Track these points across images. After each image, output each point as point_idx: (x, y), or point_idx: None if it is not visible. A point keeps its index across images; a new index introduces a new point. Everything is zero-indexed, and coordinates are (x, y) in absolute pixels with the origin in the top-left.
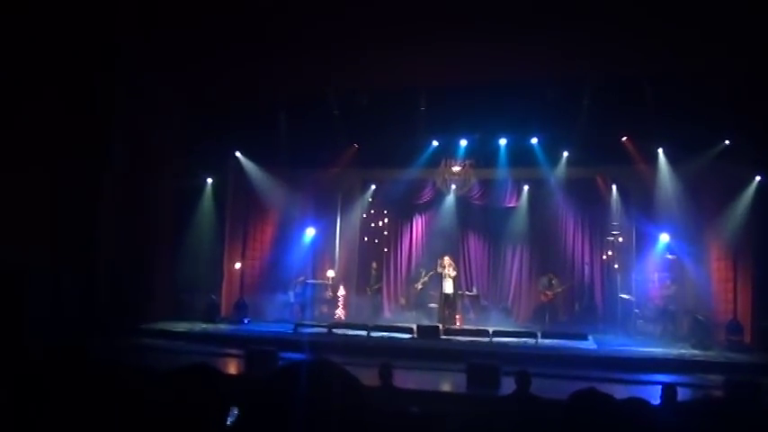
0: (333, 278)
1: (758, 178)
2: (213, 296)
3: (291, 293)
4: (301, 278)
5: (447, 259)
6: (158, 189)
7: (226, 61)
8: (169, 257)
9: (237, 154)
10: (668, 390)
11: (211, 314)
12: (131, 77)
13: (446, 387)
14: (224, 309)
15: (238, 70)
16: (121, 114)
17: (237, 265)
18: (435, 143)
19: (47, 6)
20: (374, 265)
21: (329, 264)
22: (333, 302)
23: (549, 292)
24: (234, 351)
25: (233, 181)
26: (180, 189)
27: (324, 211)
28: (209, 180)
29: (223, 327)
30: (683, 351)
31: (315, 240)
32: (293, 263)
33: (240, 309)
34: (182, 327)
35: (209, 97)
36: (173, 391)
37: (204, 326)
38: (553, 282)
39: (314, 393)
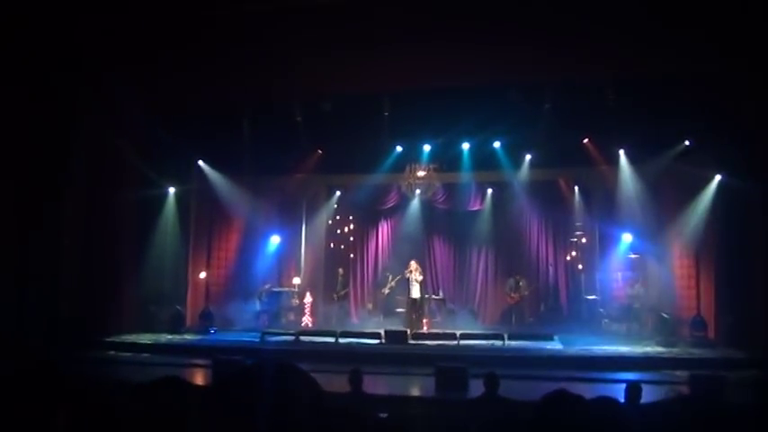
0: (299, 285)
1: (718, 177)
2: (178, 307)
3: (257, 302)
4: (267, 286)
5: (413, 264)
6: (121, 200)
7: (187, 69)
8: (133, 269)
9: (200, 163)
10: (632, 388)
11: (177, 325)
12: (93, 86)
13: (415, 391)
14: (189, 319)
15: (200, 78)
16: (83, 125)
17: (202, 275)
18: (399, 148)
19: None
20: (341, 271)
21: (295, 271)
22: (299, 310)
23: (515, 295)
24: (200, 361)
25: (196, 190)
26: (142, 200)
27: (289, 218)
28: (172, 190)
29: (189, 337)
30: (648, 349)
31: (280, 248)
32: (259, 271)
33: (206, 319)
34: (147, 338)
35: (171, 106)
36: (144, 403)
37: (170, 337)
38: (520, 284)
39: (275, 391)
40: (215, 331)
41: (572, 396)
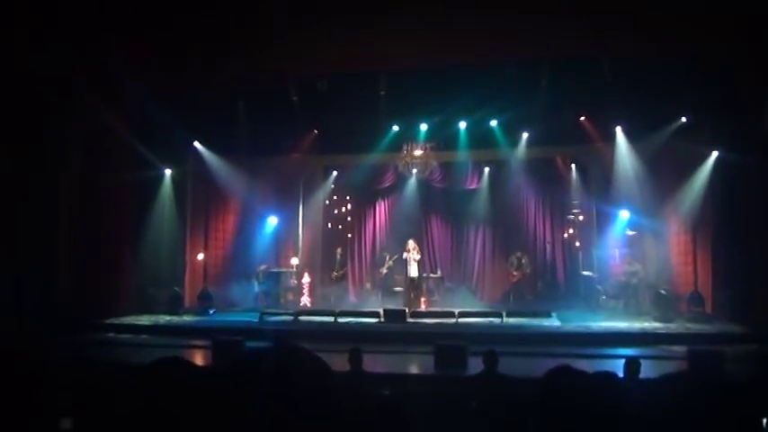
0: (297, 266)
1: (715, 154)
2: (176, 288)
3: (256, 282)
4: (263, 267)
5: (411, 243)
6: (117, 181)
7: (183, 49)
8: (131, 251)
9: (196, 144)
10: (631, 363)
11: (175, 306)
12: (89, 67)
13: (414, 369)
14: (188, 300)
15: (196, 58)
16: (79, 106)
17: (200, 256)
18: (396, 128)
19: None
20: (338, 251)
21: (293, 251)
22: (298, 290)
23: (517, 272)
24: (200, 342)
25: (192, 171)
26: (139, 181)
27: (286, 199)
28: (168, 171)
29: (188, 318)
30: (645, 324)
31: (277, 228)
32: (256, 252)
33: (204, 300)
34: (146, 320)
35: (167, 87)
36: (145, 384)
37: (168, 318)
38: (523, 261)
39: (280, 378)
40: (214, 312)
41: (575, 371)
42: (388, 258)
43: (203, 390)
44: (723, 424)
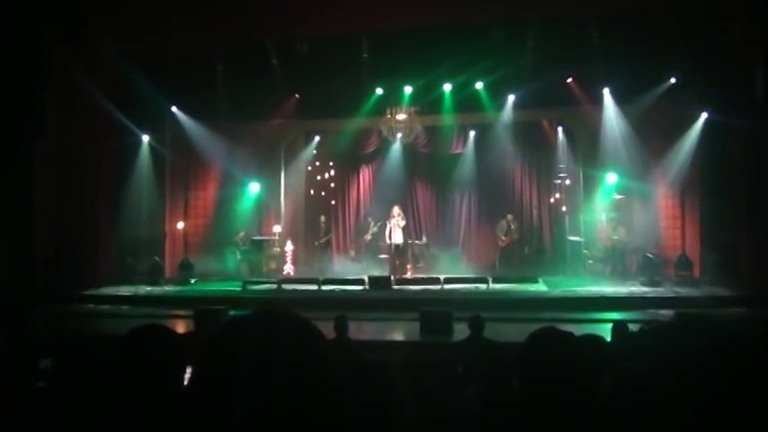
0: (279, 233)
1: (704, 115)
2: (156, 258)
3: (237, 251)
4: (242, 233)
5: (396, 209)
6: (94, 149)
7: (159, 11)
8: (109, 220)
9: (174, 109)
10: (619, 326)
11: (156, 276)
12: (63, 30)
13: (400, 336)
14: (168, 270)
15: (172, 20)
16: (53, 70)
17: (180, 225)
18: (379, 91)
19: None
20: (322, 218)
21: (275, 219)
22: (281, 258)
23: (506, 237)
24: (182, 312)
25: (170, 138)
26: (116, 148)
27: (267, 165)
28: (146, 138)
29: (169, 288)
30: (633, 289)
31: (259, 196)
32: (238, 220)
33: (185, 269)
34: (126, 291)
35: (143, 51)
36: (126, 354)
37: (149, 288)
38: (512, 226)
39: (266, 346)
40: (195, 281)
41: (560, 332)
42: (372, 225)
43: (185, 358)
44: (714, 382)
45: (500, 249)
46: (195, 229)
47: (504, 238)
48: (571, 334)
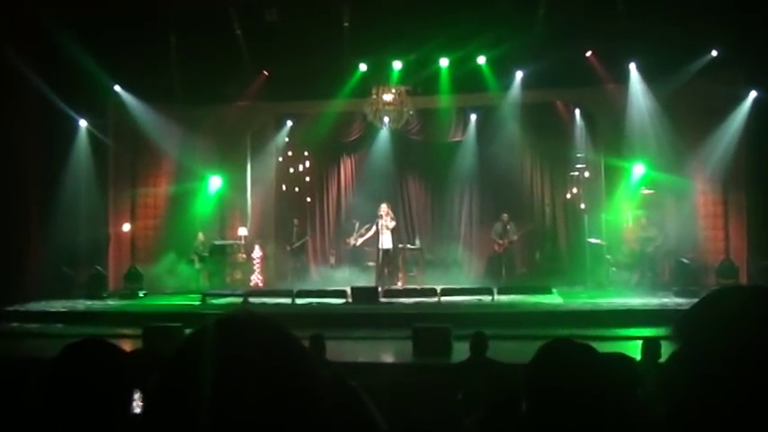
0: (245, 237)
1: (753, 95)
2: (98, 267)
3: (196, 257)
4: (201, 237)
5: (384, 207)
6: (20, 137)
7: None
8: (40, 221)
9: (117, 88)
10: (650, 344)
11: (97, 288)
12: None
13: (389, 357)
14: (112, 281)
15: None
16: None
17: (126, 227)
18: (363, 67)
19: None
20: (295, 221)
21: (240, 220)
22: (247, 266)
23: (502, 241)
24: (128, 331)
25: (114, 123)
26: (48, 135)
27: (230, 156)
28: (84, 123)
29: (112, 303)
30: (665, 300)
31: (221, 192)
32: (196, 221)
33: (133, 280)
34: (60, 306)
35: (80, 17)
36: (57, 377)
37: (89, 303)
38: (508, 227)
39: (234, 364)
40: (144, 294)
41: (579, 345)
42: (358, 227)
43: (133, 381)
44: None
45: (498, 255)
46: (144, 232)
47: (500, 241)
48: (592, 348)
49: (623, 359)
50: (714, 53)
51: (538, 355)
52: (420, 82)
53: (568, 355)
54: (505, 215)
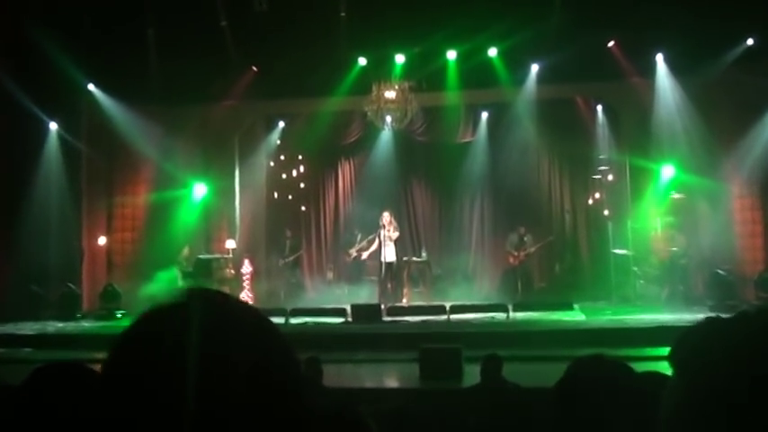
0: (233, 250)
1: None
2: (70, 284)
3: (179, 273)
4: (186, 250)
5: (386, 216)
6: None
7: None
8: (5, 236)
9: (91, 87)
10: None
11: (69, 308)
12: None
13: (393, 382)
14: (86, 300)
15: None
16: None
17: (102, 241)
18: (362, 61)
19: None
20: (288, 231)
21: (228, 231)
22: (236, 282)
23: (519, 253)
24: (104, 356)
25: (87, 126)
26: (13, 138)
27: (216, 161)
28: (54, 125)
29: (87, 324)
30: (699, 316)
31: (207, 201)
32: (179, 233)
33: (109, 299)
34: (29, 329)
35: (50, 9)
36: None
37: (61, 325)
38: (525, 239)
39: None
40: (123, 315)
41: (614, 363)
42: (359, 239)
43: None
44: None
45: (513, 268)
46: (122, 245)
47: (516, 253)
48: (629, 366)
49: (660, 379)
50: (750, 42)
51: (568, 375)
52: (425, 77)
53: (604, 374)
54: (522, 228)
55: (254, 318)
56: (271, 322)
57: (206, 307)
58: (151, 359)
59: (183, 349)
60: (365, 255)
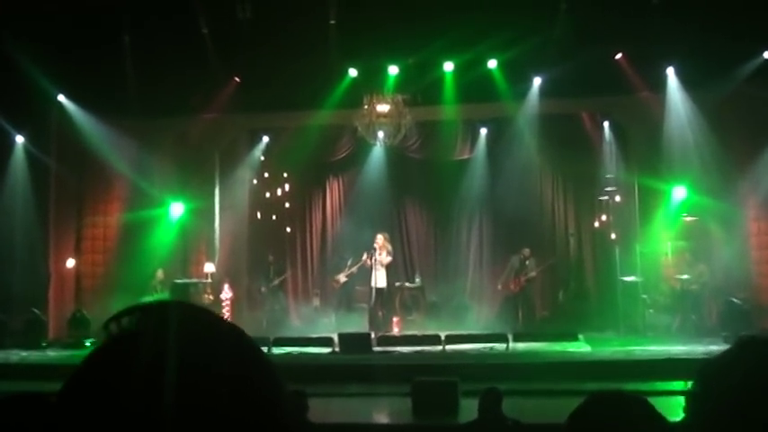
0: (213, 274)
1: None
2: (35, 310)
3: (153, 299)
4: (160, 274)
5: (380, 238)
6: None
7: None
8: None
9: (61, 98)
10: None
11: (34, 336)
12: None
13: (383, 418)
14: (53, 328)
15: None
16: None
17: (70, 264)
18: (353, 73)
19: None
20: (270, 257)
21: (206, 254)
22: (215, 308)
23: (520, 278)
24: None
25: (56, 139)
26: None
27: (195, 179)
28: (20, 139)
29: (53, 354)
30: (713, 348)
31: (184, 221)
32: (153, 255)
33: (77, 326)
34: None
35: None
36: None
37: (24, 354)
38: (528, 262)
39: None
40: (92, 344)
41: (635, 398)
42: (350, 263)
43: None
44: None
45: (514, 295)
46: (92, 268)
47: (517, 279)
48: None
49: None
50: (766, 56)
51: (580, 411)
52: (420, 90)
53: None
54: (527, 249)
55: (233, 332)
56: (251, 339)
57: (183, 323)
58: (121, 381)
59: (156, 368)
60: (344, 277)
